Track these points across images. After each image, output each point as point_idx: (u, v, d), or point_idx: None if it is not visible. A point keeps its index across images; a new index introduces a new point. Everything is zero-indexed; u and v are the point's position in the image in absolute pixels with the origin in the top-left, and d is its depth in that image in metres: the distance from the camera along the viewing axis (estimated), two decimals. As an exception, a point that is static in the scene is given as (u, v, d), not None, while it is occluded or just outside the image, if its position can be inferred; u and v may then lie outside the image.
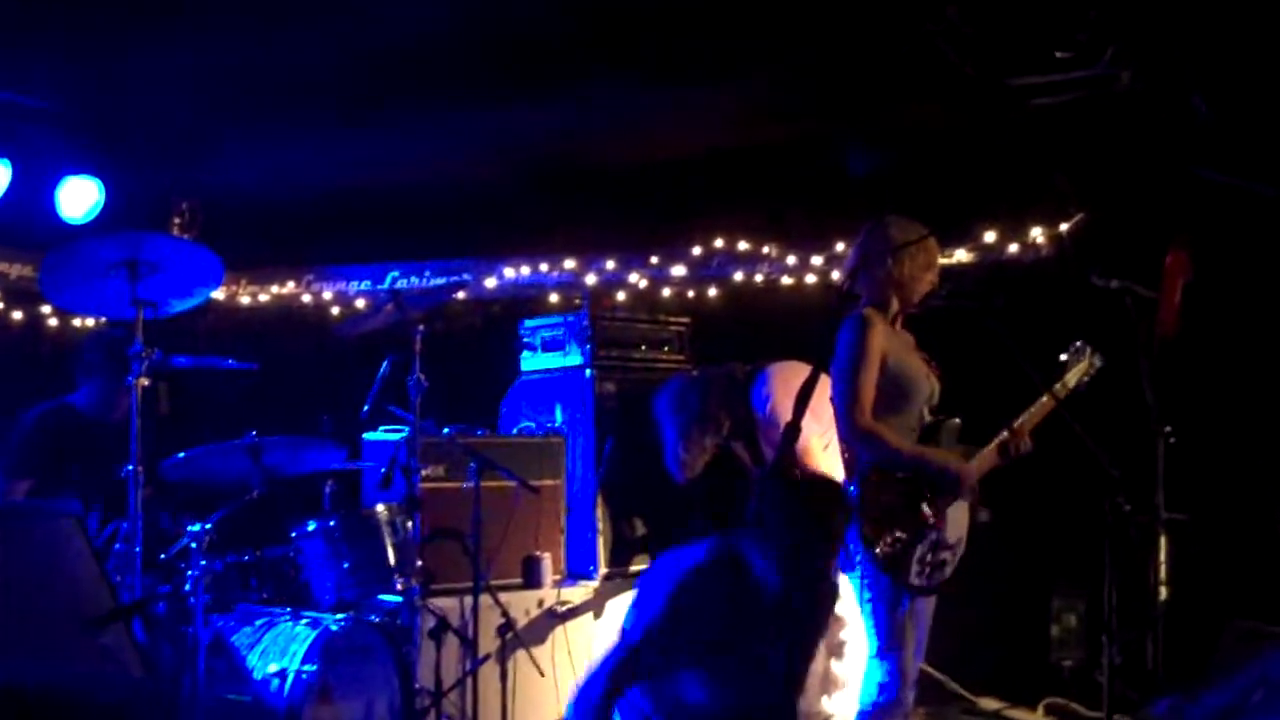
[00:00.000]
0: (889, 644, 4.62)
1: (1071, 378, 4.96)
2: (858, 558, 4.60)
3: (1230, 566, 6.12)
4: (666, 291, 7.95)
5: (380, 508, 5.54)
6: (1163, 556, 4.92)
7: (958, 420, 4.80)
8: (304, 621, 5.10)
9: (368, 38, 5.86)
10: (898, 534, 4.57)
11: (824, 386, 4.59)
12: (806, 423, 5.27)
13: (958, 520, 4.72)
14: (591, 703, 3.84)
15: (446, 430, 5.96)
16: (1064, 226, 6.90)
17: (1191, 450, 5.09)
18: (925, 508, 4.63)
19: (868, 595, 4.64)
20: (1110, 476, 4.69)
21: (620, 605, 5.59)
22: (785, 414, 4.72)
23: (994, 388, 4.87)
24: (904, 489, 4.63)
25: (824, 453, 5.48)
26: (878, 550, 4.55)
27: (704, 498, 6.20)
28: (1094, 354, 5.00)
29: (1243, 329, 6.37)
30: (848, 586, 4.81)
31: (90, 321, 7.56)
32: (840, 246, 7.45)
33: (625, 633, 3.92)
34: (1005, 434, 4.75)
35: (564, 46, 5.94)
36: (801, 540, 3.83)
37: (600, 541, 6.48)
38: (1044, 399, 4.79)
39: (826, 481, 4.15)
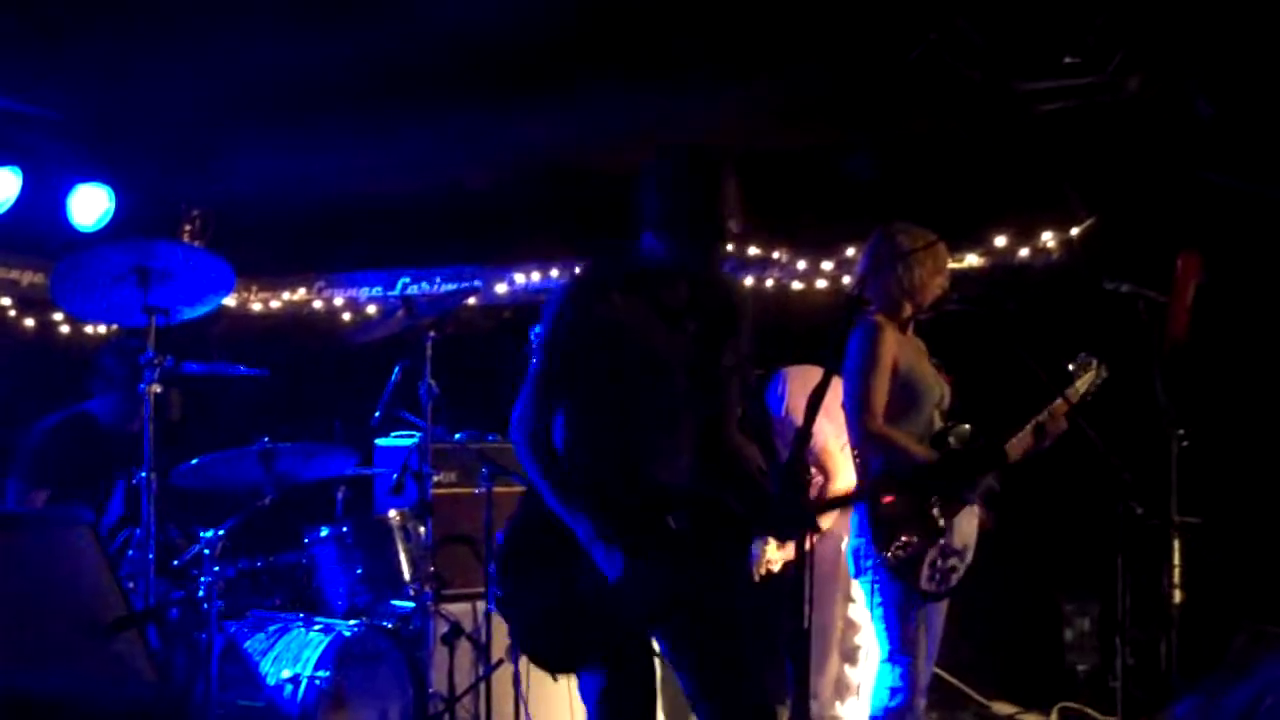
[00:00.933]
0: (900, 649, 4.61)
1: (1081, 385, 4.94)
2: (869, 563, 4.61)
3: (1243, 570, 6.11)
4: (677, 297, 7.92)
5: (392, 513, 5.55)
6: (1176, 560, 4.90)
7: (968, 426, 4.79)
8: (317, 627, 5.12)
9: (378, 45, 5.86)
10: (908, 539, 4.57)
11: (836, 390, 4.59)
12: (823, 425, 5.32)
13: (965, 527, 4.72)
14: (526, 425, 3.56)
15: (458, 436, 5.97)
16: (1075, 231, 6.90)
17: (1204, 453, 5.08)
18: (935, 513, 4.63)
19: (879, 600, 4.63)
20: (1123, 480, 4.68)
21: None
22: (800, 414, 4.72)
23: (1005, 393, 4.86)
24: (914, 495, 4.63)
25: (841, 454, 5.47)
26: (889, 556, 4.54)
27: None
28: (1100, 365, 4.98)
29: (1254, 332, 6.36)
30: (859, 591, 4.80)
31: (102, 329, 7.59)
32: (850, 251, 7.44)
33: (535, 342, 3.69)
34: (1043, 416, 4.73)
35: (574, 53, 5.94)
36: (689, 209, 3.68)
37: (611, 546, 6.46)
38: (1057, 403, 4.78)
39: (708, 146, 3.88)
